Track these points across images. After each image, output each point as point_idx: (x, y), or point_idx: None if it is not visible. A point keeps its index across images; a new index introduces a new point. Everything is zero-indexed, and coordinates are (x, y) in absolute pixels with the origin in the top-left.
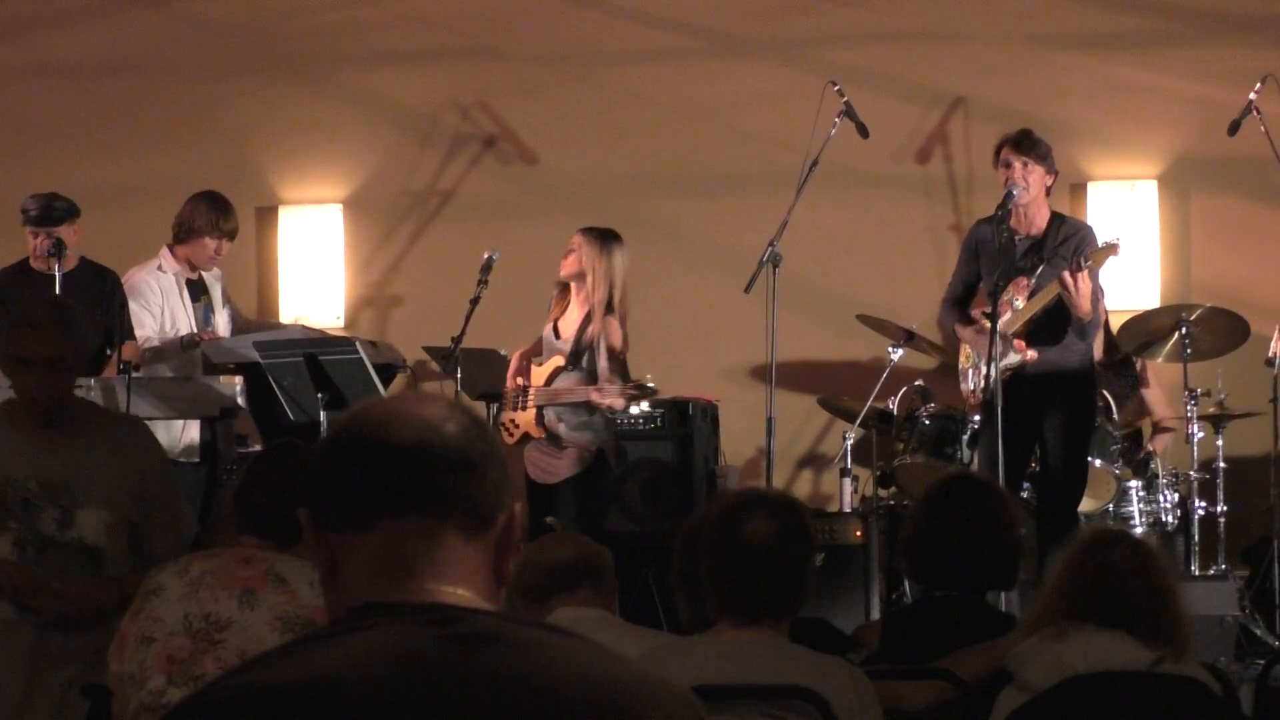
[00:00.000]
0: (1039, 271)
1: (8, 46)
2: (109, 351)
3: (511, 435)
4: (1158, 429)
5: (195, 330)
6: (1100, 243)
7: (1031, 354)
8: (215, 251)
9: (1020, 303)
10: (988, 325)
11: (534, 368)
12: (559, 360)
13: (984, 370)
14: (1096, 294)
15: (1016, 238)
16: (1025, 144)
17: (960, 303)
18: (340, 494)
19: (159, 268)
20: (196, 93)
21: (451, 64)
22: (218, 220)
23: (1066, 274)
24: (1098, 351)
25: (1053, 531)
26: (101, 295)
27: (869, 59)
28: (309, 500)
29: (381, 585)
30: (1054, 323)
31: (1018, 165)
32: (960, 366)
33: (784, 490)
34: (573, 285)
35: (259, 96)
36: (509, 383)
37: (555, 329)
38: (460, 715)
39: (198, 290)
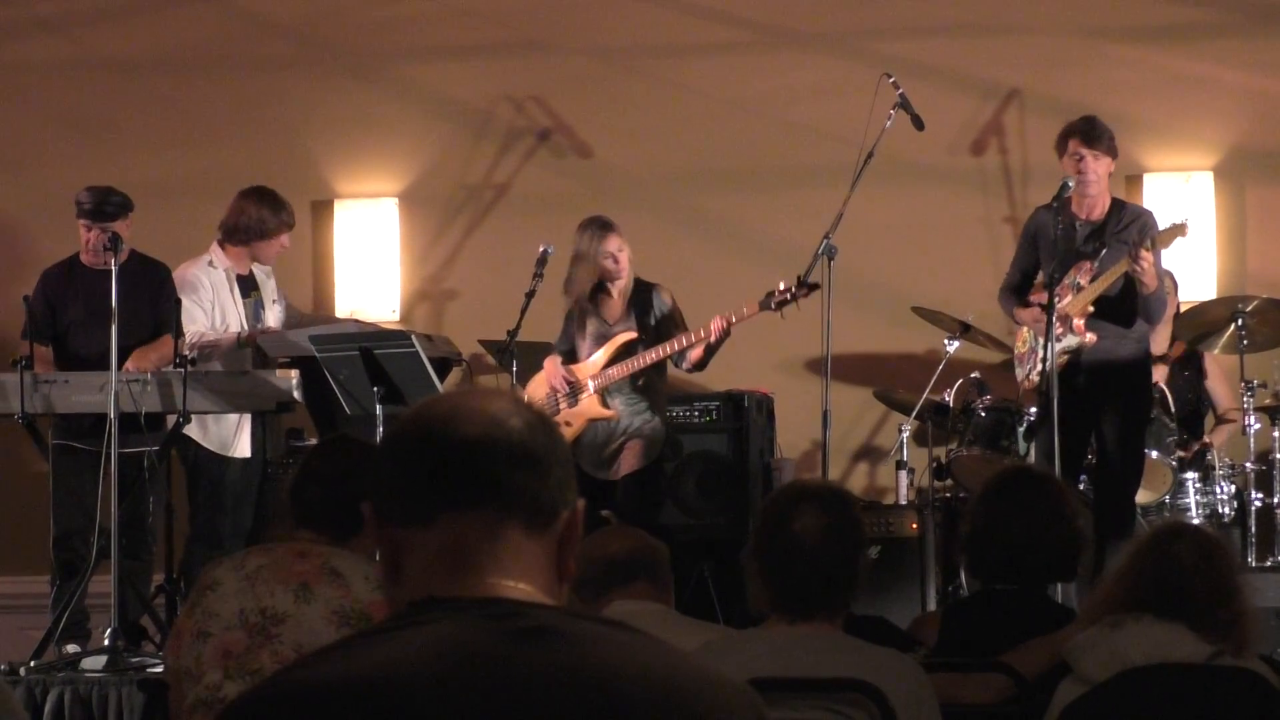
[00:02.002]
0: (1102, 255)
1: (61, 41)
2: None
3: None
4: (1221, 420)
5: (245, 326)
6: (1167, 223)
7: (1091, 336)
8: (282, 246)
9: (1083, 283)
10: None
11: (580, 363)
12: (627, 335)
13: (1040, 354)
14: (1163, 276)
15: (1077, 223)
16: (1093, 135)
17: (1018, 290)
18: (403, 488)
19: (210, 263)
20: (251, 87)
21: (505, 58)
22: (283, 217)
23: (1137, 256)
24: (1162, 347)
25: (1110, 523)
26: (151, 288)
27: (922, 51)
28: (372, 494)
29: (443, 579)
30: (1122, 306)
31: (1089, 158)
32: (1017, 351)
33: (834, 483)
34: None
35: (314, 91)
36: (556, 383)
37: (600, 319)
38: (520, 709)
39: (248, 286)
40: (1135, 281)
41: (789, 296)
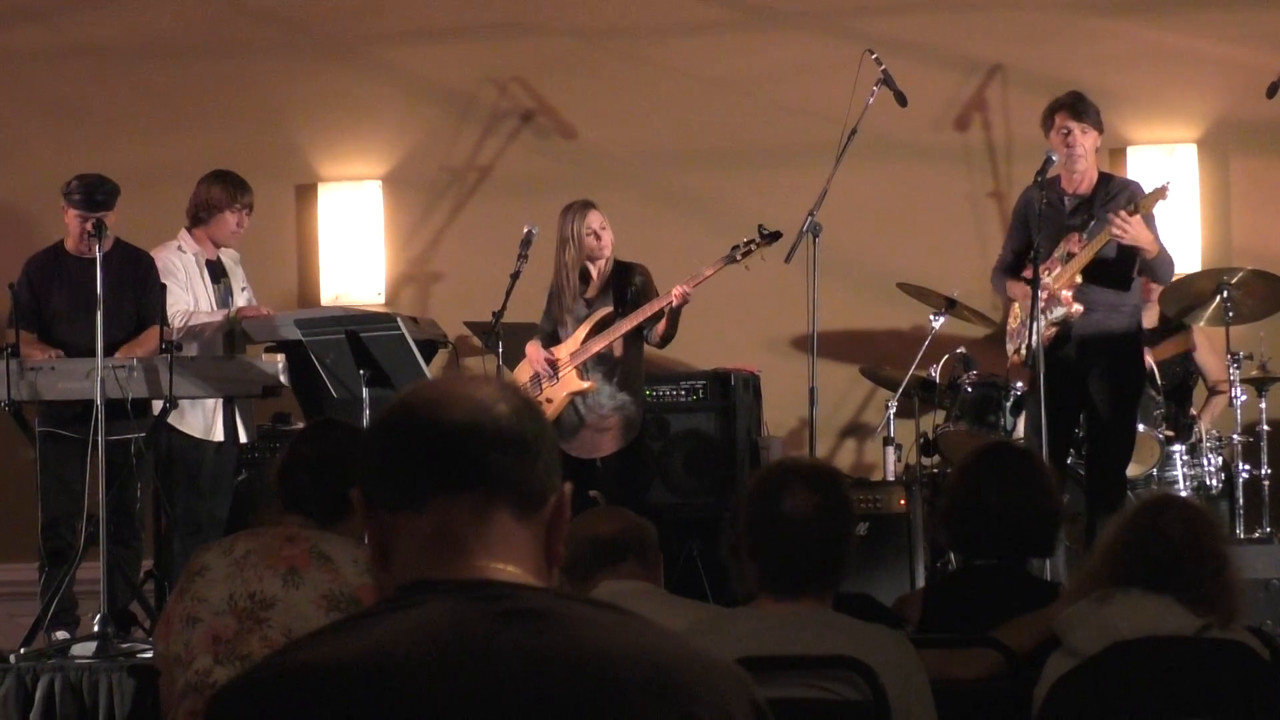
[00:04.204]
0: (1090, 227)
1: (44, 28)
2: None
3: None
4: (1212, 393)
5: (215, 311)
6: (1148, 189)
7: (1077, 308)
8: (237, 225)
9: (1074, 251)
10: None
11: (562, 344)
12: (604, 311)
13: (1028, 330)
14: (1160, 239)
15: (1065, 197)
16: (1080, 108)
17: (1011, 269)
18: (392, 473)
19: (179, 248)
20: (234, 72)
21: (488, 39)
22: (235, 194)
23: (1116, 220)
24: (1152, 319)
25: (1101, 498)
26: (136, 277)
27: (905, 27)
28: (361, 480)
29: (432, 563)
30: (1116, 267)
31: (1076, 131)
32: (1009, 326)
33: (822, 460)
34: (601, 261)
35: (297, 75)
36: (538, 366)
37: (581, 299)
38: (510, 691)
39: (217, 272)
40: (1136, 250)
41: (752, 247)
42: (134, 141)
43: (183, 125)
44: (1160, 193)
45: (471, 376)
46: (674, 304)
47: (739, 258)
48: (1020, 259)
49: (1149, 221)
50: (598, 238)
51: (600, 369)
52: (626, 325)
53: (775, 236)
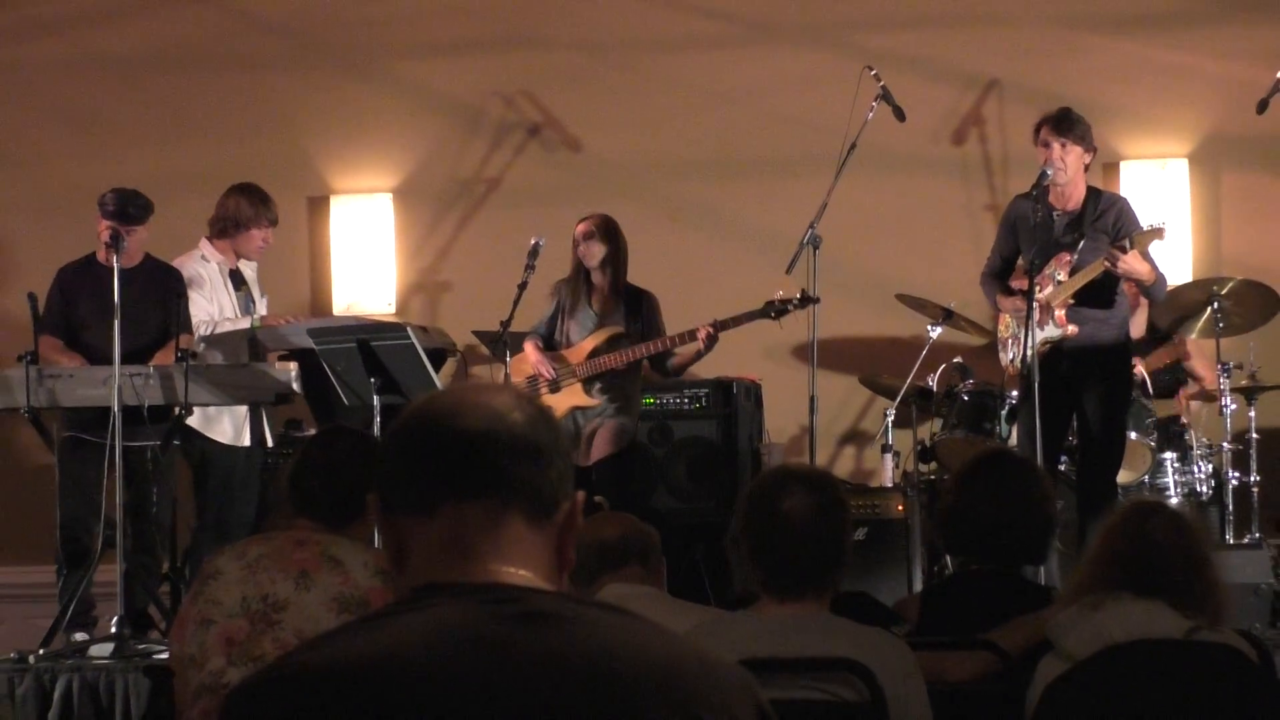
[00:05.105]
0: (1080, 246)
1: (60, 41)
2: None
3: None
4: (1202, 395)
5: (238, 319)
6: (1146, 225)
7: (1072, 329)
8: (263, 240)
9: (1062, 276)
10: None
11: (566, 350)
12: (614, 329)
13: (1023, 341)
14: (1154, 262)
15: (1055, 214)
16: (1064, 124)
17: (999, 276)
18: (407, 479)
19: (202, 258)
20: (246, 85)
21: (496, 53)
22: (261, 210)
23: (1114, 259)
24: (1139, 330)
25: (1093, 503)
26: (165, 291)
27: (904, 42)
28: (377, 485)
29: (445, 567)
30: (1103, 291)
31: (1056, 146)
32: (1000, 336)
33: (818, 465)
34: (594, 271)
35: (309, 88)
36: (542, 369)
37: (589, 308)
38: (518, 692)
39: (238, 280)
40: (1136, 281)
41: (788, 308)
42: (148, 153)
43: (196, 137)
44: (1157, 233)
45: (487, 385)
46: (701, 349)
47: (774, 316)
48: (1009, 265)
49: (1143, 253)
50: (579, 244)
51: (598, 380)
52: (644, 351)
53: (814, 301)
